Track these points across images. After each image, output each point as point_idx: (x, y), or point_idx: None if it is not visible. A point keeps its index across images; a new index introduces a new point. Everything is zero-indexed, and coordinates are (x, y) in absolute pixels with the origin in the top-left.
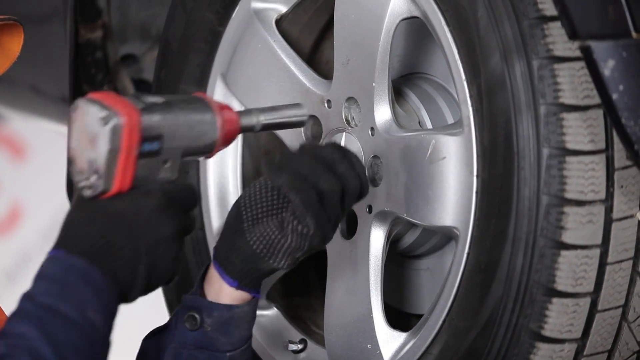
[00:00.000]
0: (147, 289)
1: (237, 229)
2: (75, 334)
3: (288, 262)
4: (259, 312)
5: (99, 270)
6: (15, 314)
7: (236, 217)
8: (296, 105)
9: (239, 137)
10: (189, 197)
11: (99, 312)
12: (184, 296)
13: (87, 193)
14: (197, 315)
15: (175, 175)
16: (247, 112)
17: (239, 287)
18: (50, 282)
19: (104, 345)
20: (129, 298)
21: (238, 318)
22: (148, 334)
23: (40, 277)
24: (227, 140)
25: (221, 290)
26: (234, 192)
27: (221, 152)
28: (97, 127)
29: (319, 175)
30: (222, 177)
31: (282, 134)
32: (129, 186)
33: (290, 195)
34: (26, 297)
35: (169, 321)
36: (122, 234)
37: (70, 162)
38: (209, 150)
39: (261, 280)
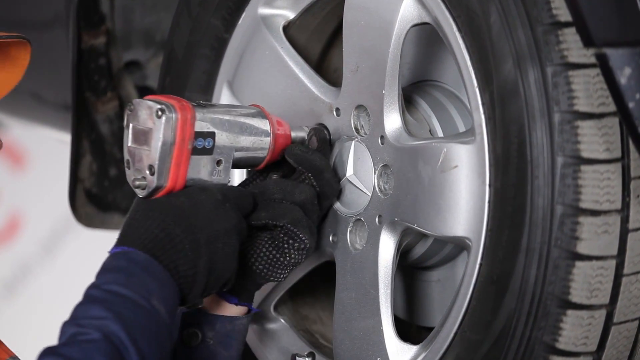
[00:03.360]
0: (206, 289)
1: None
2: (143, 316)
3: (286, 275)
4: (267, 325)
5: (159, 263)
6: (82, 302)
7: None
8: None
9: None
10: (245, 200)
11: (162, 303)
12: (183, 314)
13: (142, 193)
14: (198, 331)
15: (228, 179)
16: (298, 128)
17: (238, 303)
18: (115, 273)
19: (169, 335)
20: (189, 297)
21: (238, 330)
22: None
23: (104, 270)
24: (278, 151)
25: (220, 305)
26: None
27: None
28: (152, 122)
29: (291, 191)
30: None
31: None
32: (183, 184)
33: (277, 222)
34: (92, 287)
35: None
36: (182, 227)
37: (127, 164)
38: (260, 159)
39: (255, 292)
